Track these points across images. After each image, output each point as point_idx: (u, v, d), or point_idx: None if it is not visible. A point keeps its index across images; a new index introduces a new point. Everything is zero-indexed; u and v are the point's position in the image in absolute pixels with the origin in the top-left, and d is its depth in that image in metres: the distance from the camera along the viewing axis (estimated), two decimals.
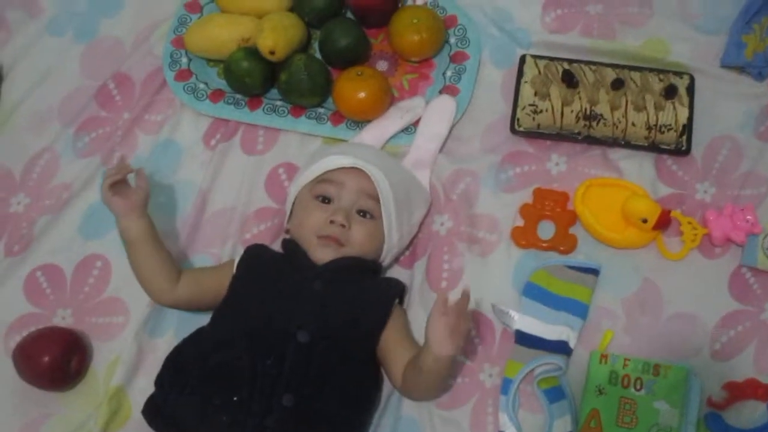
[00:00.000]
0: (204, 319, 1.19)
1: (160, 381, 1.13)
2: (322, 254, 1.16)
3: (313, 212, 1.17)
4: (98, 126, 1.42)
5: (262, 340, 1.08)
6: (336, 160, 1.21)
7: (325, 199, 1.18)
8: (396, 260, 1.27)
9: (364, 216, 1.18)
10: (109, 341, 1.26)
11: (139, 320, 1.24)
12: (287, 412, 1.05)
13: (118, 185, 1.15)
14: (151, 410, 1.12)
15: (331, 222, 1.15)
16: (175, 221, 1.33)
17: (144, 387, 1.18)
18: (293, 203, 1.24)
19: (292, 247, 1.19)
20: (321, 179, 1.20)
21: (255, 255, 1.20)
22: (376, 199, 1.17)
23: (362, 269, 1.17)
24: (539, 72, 1.32)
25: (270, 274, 1.16)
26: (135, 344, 1.23)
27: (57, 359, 1.18)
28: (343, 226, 1.15)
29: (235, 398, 1.05)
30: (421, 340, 1.15)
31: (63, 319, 1.28)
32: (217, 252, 1.30)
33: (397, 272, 1.27)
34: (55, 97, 1.45)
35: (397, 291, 1.19)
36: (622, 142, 1.30)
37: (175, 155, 1.39)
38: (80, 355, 1.22)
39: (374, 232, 1.18)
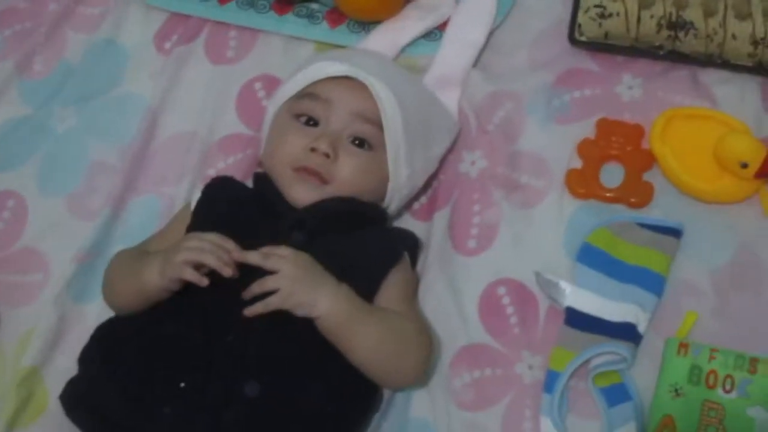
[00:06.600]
0: None
1: (85, 358, 1.04)
2: (298, 193, 1.06)
3: (291, 136, 1.08)
4: (14, 21, 1.33)
5: (221, 309, 0.98)
6: (326, 67, 1.10)
7: (310, 120, 1.09)
8: (406, 207, 1.17)
9: (359, 145, 1.08)
10: (20, 307, 1.16)
11: (62, 279, 1.14)
12: (250, 404, 0.95)
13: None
14: (72, 396, 1.02)
15: (312, 150, 1.05)
16: (114, 149, 1.23)
17: (66, 368, 1.07)
18: (270, 126, 1.14)
19: (263, 184, 1.09)
20: (305, 93, 1.10)
21: (215, 197, 1.10)
22: (378, 123, 1.08)
23: (358, 215, 1.08)
24: None
25: (234, 222, 1.05)
26: (55, 311, 1.12)
27: None
28: (327, 156, 1.05)
29: (182, 384, 0.95)
30: (436, 316, 1.07)
31: None
32: (169, 191, 1.20)
33: (410, 224, 1.17)
34: None
35: (406, 245, 1.09)
36: (719, 61, 1.18)
37: (117, 61, 1.29)
38: None
39: (370, 167, 1.08)
